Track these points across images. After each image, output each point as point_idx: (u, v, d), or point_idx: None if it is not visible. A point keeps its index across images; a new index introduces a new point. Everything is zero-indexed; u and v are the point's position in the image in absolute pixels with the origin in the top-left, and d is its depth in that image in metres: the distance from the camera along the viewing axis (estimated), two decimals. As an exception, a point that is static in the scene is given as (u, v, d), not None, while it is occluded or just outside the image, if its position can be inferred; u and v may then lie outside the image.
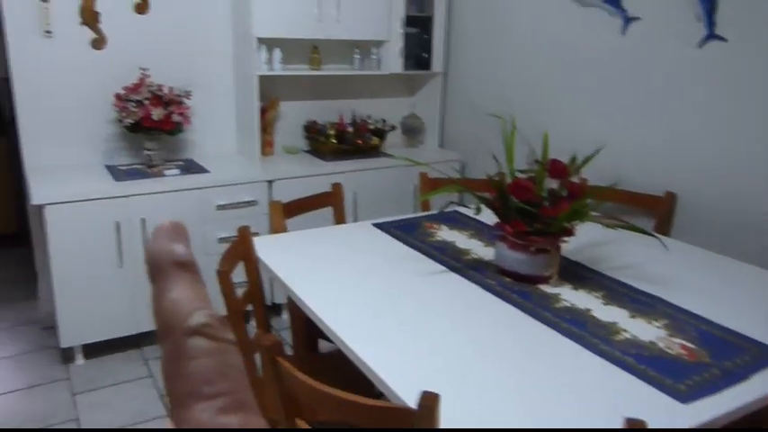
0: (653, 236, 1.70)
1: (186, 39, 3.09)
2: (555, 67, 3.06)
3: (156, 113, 2.69)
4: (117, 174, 2.81)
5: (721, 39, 2.33)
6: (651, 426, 1.11)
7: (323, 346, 2.11)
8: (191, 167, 2.97)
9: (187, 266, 0.33)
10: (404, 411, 1.01)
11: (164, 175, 2.80)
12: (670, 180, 2.57)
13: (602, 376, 1.29)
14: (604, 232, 2.26)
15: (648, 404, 1.20)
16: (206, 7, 3.11)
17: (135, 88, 2.75)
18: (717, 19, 2.33)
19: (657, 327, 1.53)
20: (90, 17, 2.80)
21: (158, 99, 2.74)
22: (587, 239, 2.18)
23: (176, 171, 2.84)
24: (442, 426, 1.08)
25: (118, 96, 2.77)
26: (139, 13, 2.91)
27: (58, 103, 2.86)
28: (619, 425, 1.12)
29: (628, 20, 2.67)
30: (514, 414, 1.14)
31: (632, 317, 1.59)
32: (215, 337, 0.28)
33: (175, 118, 2.77)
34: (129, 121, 2.70)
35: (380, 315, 1.53)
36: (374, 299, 1.62)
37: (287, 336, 3.04)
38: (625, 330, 1.51)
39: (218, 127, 3.31)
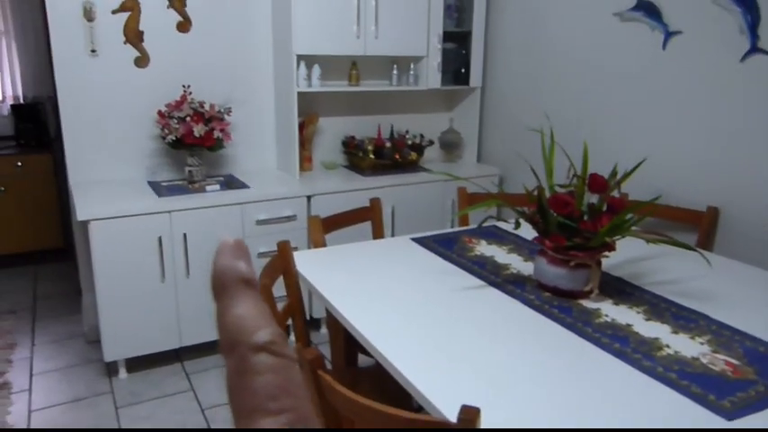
0: (695, 251, 1.68)
1: (227, 56, 3.19)
2: (595, 81, 3.04)
3: (198, 130, 2.77)
4: (159, 189, 2.90)
5: (765, 52, 2.28)
6: (696, 444, 1.10)
7: (361, 360, 2.13)
8: (231, 183, 3.05)
9: (250, 283, 0.34)
10: (444, 425, 1.02)
11: (205, 191, 2.88)
12: (712, 195, 2.52)
13: (644, 392, 1.28)
14: (646, 247, 2.22)
15: (692, 421, 1.18)
16: (247, 25, 3.20)
17: (177, 105, 2.85)
18: (760, 32, 2.29)
19: (701, 343, 1.51)
20: (134, 36, 2.91)
21: (200, 116, 2.83)
22: (629, 254, 2.15)
23: (217, 187, 2.92)
24: (482, 439, 1.08)
25: (161, 113, 2.87)
26: (182, 31, 3.01)
27: (102, 120, 2.97)
28: (662, 442, 1.11)
29: (669, 33, 2.64)
30: (556, 425, 1.14)
31: (674, 332, 1.56)
32: (280, 354, 0.29)
33: (216, 134, 2.85)
34: (171, 137, 2.79)
35: (419, 329, 1.54)
36: (413, 313, 1.64)
37: (325, 350, 3.07)
38: (668, 346, 1.49)
39: (259, 143, 3.39)
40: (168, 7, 2.96)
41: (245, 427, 0.32)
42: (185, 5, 2.99)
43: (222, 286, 0.34)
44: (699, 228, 2.51)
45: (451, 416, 1.16)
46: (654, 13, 2.69)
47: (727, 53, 2.41)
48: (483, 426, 1.12)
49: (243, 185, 3.02)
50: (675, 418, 1.19)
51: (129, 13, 2.88)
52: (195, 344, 2.91)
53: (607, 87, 2.97)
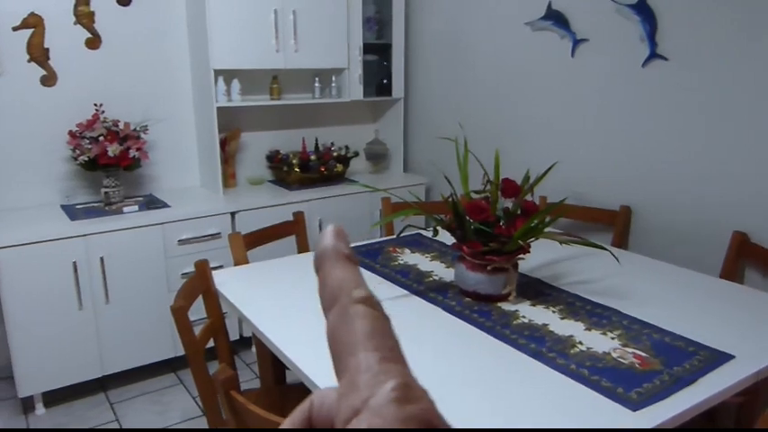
0: (606, 249, 1.74)
1: (142, 73, 3.10)
2: (509, 88, 3.13)
3: (112, 150, 2.67)
4: (73, 213, 2.77)
5: (663, 58, 2.42)
6: (604, 437, 1.13)
7: (292, 376, 2.10)
8: (151, 203, 2.95)
9: (351, 258, 0.36)
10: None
11: (122, 213, 2.78)
12: (625, 194, 2.64)
13: (558, 389, 1.31)
14: (563, 249, 2.30)
15: (601, 413, 1.22)
16: (162, 40, 3.12)
17: (89, 125, 2.74)
18: (658, 39, 2.42)
19: (612, 338, 1.56)
20: (39, 54, 2.78)
21: (114, 135, 2.73)
22: (546, 256, 2.21)
23: (136, 207, 2.82)
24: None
25: (71, 134, 2.75)
26: (91, 48, 2.90)
27: (8, 144, 2.81)
28: (573, 438, 1.14)
29: (577, 41, 2.76)
30: (469, 425, 1.15)
31: (588, 330, 1.62)
32: (374, 308, 0.30)
33: (133, 153, 2.75)
34: (84, 158, 2.68)
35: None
36: (334, 326, 1.62)
37: (258, 369, 3.00)
38: (581, 343, 1.53)
39: (180, 161, 3.31)
40: (75, 23, 2.85)
41: (345, 362, 0.36)
42: (94, 22, 2.88)
43: (325, 258, 0.38)
44: (614, 227, 2.62)
45: None
46: (562, 22, 2.81)
47: (629, 59, 2.54)
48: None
49: (164, 205, 2.93)
50: (587, 413, 1.22)
51: (33, 29, 2.75)
52: (119, 371, 2.79)
53: (521, 94, 3.07)
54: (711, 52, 2.25)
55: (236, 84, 3.13)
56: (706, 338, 1.55)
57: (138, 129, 2.87)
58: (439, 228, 1.83)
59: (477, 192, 1.89)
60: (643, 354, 1.48)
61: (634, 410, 1.23)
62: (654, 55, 2.44)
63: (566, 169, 2.88)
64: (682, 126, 2.39)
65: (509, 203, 1.82)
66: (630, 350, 1.50)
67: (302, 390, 1.99)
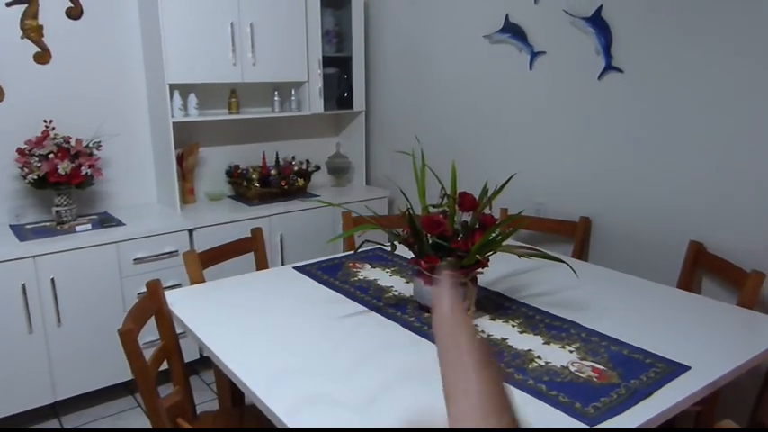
0: (563, 262, 1.74)
1: (95, 87, 3.01)
2: (469, 101, 3.15)
3: (63, 167, 2.58)
4: (22, 233, 2.67)
5: (618, 70, 2.45)
6: (560, 455, 1.12)
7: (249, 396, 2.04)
8: (105, 221, 2.86)
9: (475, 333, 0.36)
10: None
11: (75, 231, 2.68)
12: (584, 205, 2.66)
13: (517, 404, 1.29)
14: (522, 261, 2.30)
15: (559, 429, 1.20)
16: (115, 54, 3.05)
17: (38, 142, 2.64)
18: (613, 52, 2.46)
19: (570, 351, 1.56)
20: (-15, 71, 2.69)
21: (65, 152, 2.64)
22: (506, 269, 2.21)
23: (89, 226, 2.73)
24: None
25: (20, 151, 2.65)
26: (40, 63, 2.81)
27: (-43, 162, 2.71)
28: (529, 457, 1.12)
29: (534, 54, 2.78)
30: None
31: (547, 343, 1.61)
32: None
33: (85, 171, 2.67)
34: (33, 176, 2.58)
35: (296, 363, 1.49)
36: (290, 347, 1.58)
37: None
38: (539, 357, 1.52)
39: (136, 177, 3.22)
40: (22, 38, 2.76)
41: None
42: (42, 36, 2.80)
43: (447, 337, 0.37)
44: (574, 238, 2.63)
45: (321, 454, 1.12)
46: (519, 35, 2.83)
47: (586, 71, 2.57)
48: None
49: (118, 223, 2.84)
50: (545, 429, 1.21)
51: (-24, 44, 2.65)
52: (72, 396, 2.68)
53: (480, 107, 3.08)
54: (665, 64, 2.29)
55: (192, 98, 3.07)
56: (663, 350, 1.55)
57: (90, 145, 2.79)
58: (396, 243, 1.81)
59: (434, 206, 1.87)
60: (601, 367, 1.47)
61: (591, 425, 1.22)
62: (609, 67, 2.48)
63: (525, 181, 2.89)
64: (638, 137, 2.42)
65: (467, 217, 1.81)
66: (588, 363, 1.49)
67: (261, 411, 1.94)
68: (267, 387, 1.37)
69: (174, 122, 2.95)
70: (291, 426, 1.22)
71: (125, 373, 2.78)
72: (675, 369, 1.45)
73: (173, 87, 2.94)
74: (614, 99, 2.48)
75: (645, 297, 1.93)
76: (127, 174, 3.18)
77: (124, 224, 2.83)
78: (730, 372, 1.46)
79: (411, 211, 1.72)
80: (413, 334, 1.66)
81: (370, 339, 1.62)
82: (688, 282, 2.21)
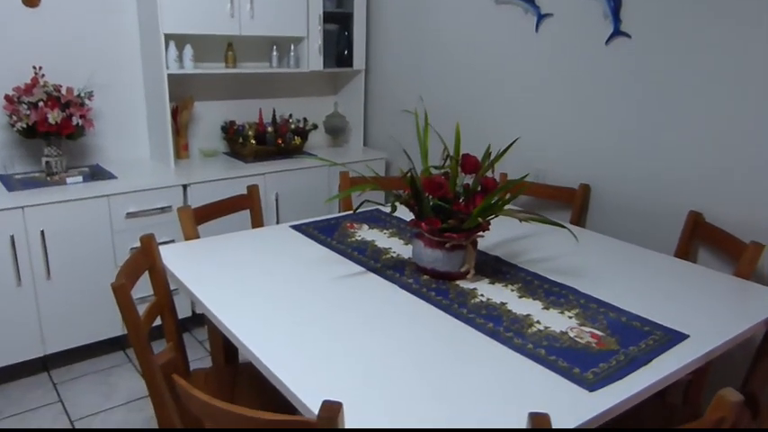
0: (564, 227, 1.72)
1: (86, 35, 2.91)
2: (473, 63, 3.08)
3: (53, 116, 2.51)
4: (11, 184, 2.61)
5: (626, 35, 2.40)
6: (557, 415, 1.11)
7: (243, 354, 2.03)
8: (97, 174, 2.81)
9: None
10: (303, 423, 0.95)
11: (66, 183, 2.63)
12: (584, 172, 2.63)
13: (515, 370, 1.28)
14: (521, 227, 2.28)
15: (557, 394, 1.20)
16: (109, 0, 2.94)
17: (28, 89, 2.56)
18: (622, 16, 2.39)
19: (569, 317, 1.55)
20: (-25, 13, 2.58)
21: (55, 101, 2.56)
22: (505, 234, 2.19)
23: (80, 178, 2.67)
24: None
25: (8, 98, 2.57)
26: (29, 5, 2.70)
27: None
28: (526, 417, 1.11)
29: (541, 16, 2.71)
30: (426, 413, 1.11)
31: (546, 308, 1.59)
32: None
33: (76, 121, 2.60)
34: (21, 125, 2.51)
35: (293, 323, 1.47)
36: (287, 306, 1.56)
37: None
38: (538, 322, 1.51)
39: (129, 130, 3.15)
40: (11, -21, 2.65)
41: None
42: (32, -23, 2.69)
43: None
44: (572, 205, 2.61)
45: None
46: (526, -3, 2.76)
47: (593, 36, 2.51)
48: (348, 422, 1.08)
49: (110, 176, 2.79)
50: (544, 393, 1.20)
51: (-36, -16, 2.54)
52: (63, 350, 2.67)
53: (484, 69, 3.02)
54: (674, 30, 2.23)
55: (188, 50, 2.98)
56: (660, 318, 1.55)
57: (81, 95, 2.71)
58: (397, 204, 1.78)
59: (436, 167, 1.84)
60: (599, 333, 1.47)
61: (590, 391, 1.21)
62: (617, 32, 2.42)
63: (526, 146, 2.86)
64: (642, 105, 2.38)
65: (469, 180, 1.78)
66: (587, 329, 1.48)
67: (254, 369, 1.93)
68: (264, 345, 1.36)
69: (168, 75, 2.87)
70: (288, 384, 1.20)
71: (115, 329, 2.76)
72: (673, 337, 1.45)
73: (168, 38, 2.85)
74: (620, 65, 2.43)
75: (642, 265, 1.92)
76: (119, 127, 3.11)
77: (116, 178, 2.77)
78: (728, 341, 1.46)
79: (413, 172, 1.69)
80: (411, 295, 1.64)
81: (368, 300, 1.60)
82: (685, 251, 2.21)
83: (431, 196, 1.71)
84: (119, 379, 2.65)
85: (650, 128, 2.36)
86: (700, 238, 2.21)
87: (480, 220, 1.67)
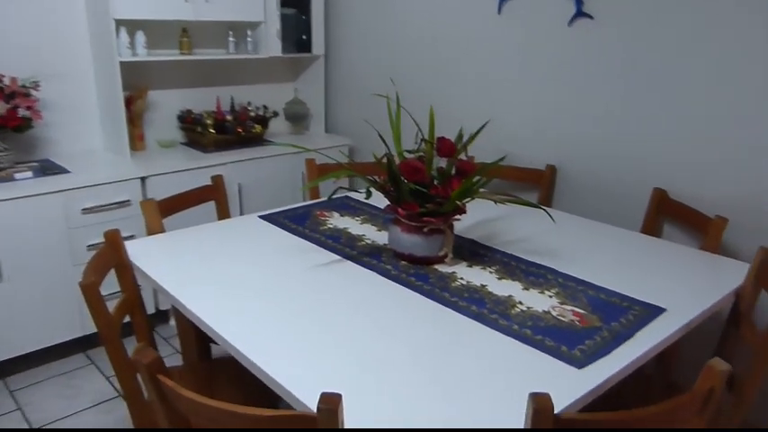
0: (540, 208, 1.73)
1: (29, 22, 2.75)
2: (438, 45, 3.06)
3: (-1, 109, 2.37)
4: (-43, 181, 2.46)
5: (589, 16, 2.42)
6: (551, 394, 1.11)
7: (216, 350, 1.98)
8: (48, 169, 2.67)
9: None
10: (304, 418, 0.92)
11: (14, 179, 2.49)
12: (550, 153, 2.66)
13: (504, 351, 1.28)
14: (494, 209, 2.29)
15: (548, 373, 1.20)
16: (53, -12, 2.79)
17: (-31, 81, 2.41)
18: (583, -4, 2.42)
19: (550, 296, 1.56)
20: None
21: None
22: (478, 217, 2.19)
23: (29, 174, 2.53)
24: (349, 424, 1.01)
25: (-52, 91, 2.41)
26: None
27: None
28: (523, 398, 1.11)
29: (501, -3, 2.71)
30: (421, 398, 1.10)
31: (526, 289, 1.60)
32: None
33: (22, 113, 2.46)
34: (-36, 118, 2.36)
35: (273, 314, 1.43)
36: (265, 296, 1.52)
37: (177, 344, 2.84)
38: (520, 303, 1.52)
39: (80, 121, 3.01)
40: (-55, -38, 2.48)
41: None
42: (-32, -40, 2.52)
43: None
44: (540, 186, 2.64)
45: (314, 404, 1.08)
46: (487, -22, 2.75)
47: (556, 17, 2.52)
48: (346, 412, 1.05)
49: (62, 170, 2.66)
50: (534, 373, 1.20)
51: None
52: (19, 355, 2.54)
53: (446, 52, 3.00)
54: (635, 11, 2.26)
55: (140, 36, 2.86)
56: (637, 293, 1.58)
57: (27, 85, 2.56)
58: (372, 189, 1.75)
59: (410, 151, 1.81)
60: (581, 311, 1.48)
61: (580, 368, 1.22)
62: (580, 13, 2.43)
63: (492, 129, 2.86)
64: (605, 85, 2.41)
65: (442, 163, 1.76)
66: (569, 308, 1.49)
67: (231, 364, 1.89)
68: (249, 340, 1.31)
69: (121, 62, 2.75)
70: (279, 380, 1.17)
71: (74, 330, 2.65)
72: (651, 311, 1.48)
73: (119, 23, 2.72)
74: (583, 46, 2.45)
75: (613, 242, 1.96)
76: (70, 119, 2.96)
77: (69, 172, 2.64)
78: (704, 312, 1.50)
79: (390, 156, 1.66)
80: (391, 282, 1.62)
81: (350, 288, 1.57)
82: (651, 228, 2.26)
83: (407, 180, 1.68)
84: (83, 381, 2.55)
85: (614, 108, 2.40)
86: (665, 215, 2.27)
87: (459, 203, 1.66)
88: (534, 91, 2.67)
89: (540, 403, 0.92)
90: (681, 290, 1.61)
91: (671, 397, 1.79)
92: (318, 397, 0.92)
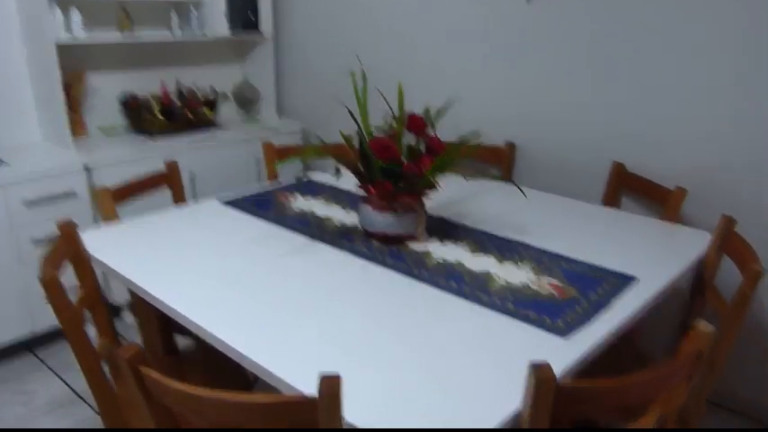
0: (513, 183, 1.73)
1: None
2: (389, 24, 3.01)
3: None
4: None
5: (542, -10, 2.43)
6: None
7: (182, 343, 1.90)
8: (-17, 160, 2.49)
9: None
10: (305, 402, 0.89)
11: (-51, 171, 2.31)
12: (509, 131, 2.68)
13: (490, 325, 1.28)
14: (460, 186, 2.29)
15: (535, 345, 1.21)
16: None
17: None
18: (536, -29, 2.42)
19: (526, 270, 1.57)
20: None
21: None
22: (444, 195, 2.19)
23: (-35, 165, 2.36)
24: (345, 407, 0.98)
25: None
26: None
27: None
28: (516, 369, 1.11)
29: (454, -26, 2.69)
30: (412, 376, 1.08)
31: (501, 264, 1.61)
32: None
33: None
34: None
35: (250, 299, 1.38)
36: (244, 285, 1.46)
37: (134, 338, 2.73)
38: (498, 277, 1.52)
39: (12, 111, 2.81)
40: None
41: None
42: None
43: None
44: (499, 164, 2.65)
45: (305, 388, 1.04)
46: (439, -45, 2.72)
47: (509, -6, 2.52)
48: (345, 394, 1.02)
49: (0, 162, 2.49)
50: (522, 345, 1.20)
51: None
52: (-39, 359, 2.38)
53: (402, 30, 2.96)
54: (589, -14, 2.29)
55: (75, 14, 2.69)
56: (607, 264, 1.61)
57: (-44, 70, 2.37)
58: (341, 169, 1.71)
59: (378, 129, 1.78)
60: (558, 283, 1.50)
61: (565, 338, 1.23)
62: (534, -11, 2.44)
63: (451, 107, 2.85)
64: (563, 62, 2.44)
65: (411, 140, 1.74)
66: (546, 281, 1.51)
67: (197, 356, 1.82)
68: (231, 330, 1.26)
69: (57, 44, 2.57)
70: (270, 368, 1.12)
71: (23, 331, 2.50)
72: (624, 281, 1.51)
73: (50, 1, 2.54)
74: (542, 23, 2.46)
75: (578, 216, 1.99)
76: (1, 107, 2.76)
77: (7, 164, 2.47)
78: (674, 280, 1.54)
79: (362, 134, 1.62)
80: (367, 263, 1.59)
81: (326, 271, 1.53)
82: (611, 201, 2.31)
83: (378, 158, 1.65)
84: (36, 385, 2.40)
85: (571, 84, 2.43)
86: (624, 188, 2.33)
87: (433, 180, 1.65)
88: (493, 68, 2.67)
89: (542, 373, 0.91)
90: (649, 259, 1.65)
91: (642, 366, 1.84)
92: (318, 379, 0.89)
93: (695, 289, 1.73)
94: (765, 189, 2.04)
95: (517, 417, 1.00)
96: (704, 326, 1.08)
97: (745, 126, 2.03)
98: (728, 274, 2.06)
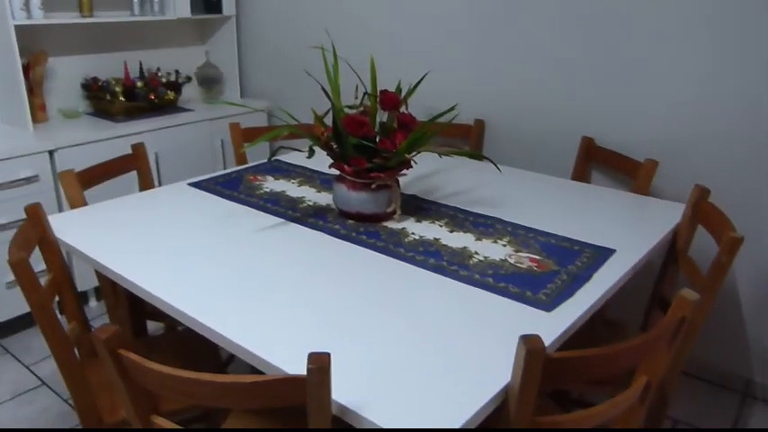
0: (488, 159, 1.72)
1: None
2: (355, 2, 2.97)
3: None
4: None
5: (511, -34, 2.42)
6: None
7: (152, 326, 1.86)
8: (-63, 144, 2.38)
9: None
10: (293, 381, 0.87)
11: None
12: (478, 108, 2.68)
13: (471, 300, 1.28)
14: (431, 163, 2.28)
15: (519, 318, 1.21)
16: None
17: None
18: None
19: (503, 245, 1.57)
20: None
21: None
22: (417, 171, 2.18)
23: None
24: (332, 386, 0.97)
25: None
26: None
27: None
28: (502, 343, 1.11)
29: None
30: (408, 353, 1.07)
31: (478, 239, 1.61)
32: None
33: None
34: None
35: (231, 283, 1.35)
36: (214, 264, 1.43)
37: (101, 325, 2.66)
38: (477, 253, 1.52)
39: (-33, 92, 2.69)
40: None
41: None
42: None
43: None
44: (468, 140, 2.65)
45: (290, 368, 1.03)
46: (407, -69, 2.68)
47: (478, -30, 2.51)
48: (334, 372, 1.01)
49: (-46, 147, 2.38)
50: (505, 320, 1.21)
51: None
52: None
53: (368, 8, 2.92)
54: (558, -38, 2.29)
55: (33, -6, 2.58)
56: (585, 236, 1.62)
57: None
58: (315, 147, 1.68)
59: (350, 106, 1.75)
60: (536, 257, 1.50)
61: (548, 311, 1.24)
62: (503, -35, 2.43)
63: (424, 83, 2.84)
64: (531, 38, 2.44)
65: (383, 117, 1.72)
66: (524, 255, 1.52)
67: (170, 339, 1.78)
68: (210, 312, 1.23)
69: (15, 26, 2.46)
70: (253, 349, 1.10)
71: (-14, 320, 2.42)
72: (603, 253, 1.52)
73: (6, -20, 2.44)
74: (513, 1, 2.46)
75: (550, 190, 2.00)
76: (-47, 89, 2.64)
77: (-37, 148, 2.37)
78: (651, 250, 1.56)
79: (335, 111, 1.59)
80: (342, 241, 1.57)
81: (301, 251, 1.51)
82: (581, 175, 2.34)
83: (352, 135, 1.63)
84: (3, 374, 2.32)
85: (538, 59, 2.44)
86: (594, 162, 2.35)
87: (407, 156, 1.63)
88: (460, 45, 2.66)
89: (532, 344, 0.92)
90: (625, 231, 1.67)
91: (613, 333, 1.87)
92: (308, 357, 0.87)
93: (669, 257, 1.76)
94: (735, 159, 2.09)
95: (506, 389, 1.00)
96: (689, 293, 1.10)
97: (714, 97, 2.07)
98: (698, 244, 2.11)
